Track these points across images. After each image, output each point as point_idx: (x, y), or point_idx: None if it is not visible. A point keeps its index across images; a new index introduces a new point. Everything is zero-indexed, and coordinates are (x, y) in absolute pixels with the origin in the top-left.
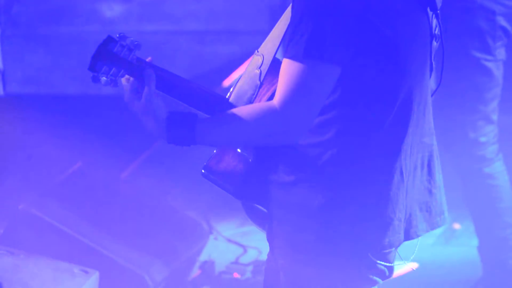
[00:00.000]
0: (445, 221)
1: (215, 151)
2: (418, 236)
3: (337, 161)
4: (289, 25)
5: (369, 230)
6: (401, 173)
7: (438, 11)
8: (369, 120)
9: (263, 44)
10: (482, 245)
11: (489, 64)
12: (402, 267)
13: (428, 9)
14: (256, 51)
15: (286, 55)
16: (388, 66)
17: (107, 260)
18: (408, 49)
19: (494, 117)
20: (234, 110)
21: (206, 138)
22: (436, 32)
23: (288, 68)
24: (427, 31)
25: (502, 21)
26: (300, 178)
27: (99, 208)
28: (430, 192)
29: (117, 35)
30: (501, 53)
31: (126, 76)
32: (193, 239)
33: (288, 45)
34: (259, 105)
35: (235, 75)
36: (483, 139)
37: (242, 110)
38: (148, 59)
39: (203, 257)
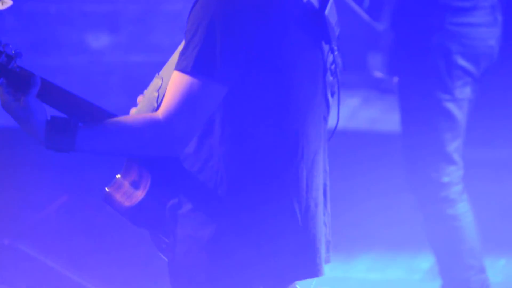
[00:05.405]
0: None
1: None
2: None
3: (225, 186)
4: (184, 37)
5: (262, 264)
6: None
7: (334, 46)
8: (255, 148)
9: (164, 67)
10: (445, 285)
11: (449, 105)
12: None
13: (323, 43)
14: (156, 74)
15: (177, 67)
16: (277, 97)
17: None
18: (298, 81)
19: (457, 157)
20: (118, 119)
21: (86, 145)
22: (331, 66)
23: (176, 81)
24: (320, 65)
25: (460, 61)
26: (194, 206)
27: (88, 243)
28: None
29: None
30: (463, 92)
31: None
32: None
33: (180, 57)
34: (143, 116)
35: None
36: (445, 179)
37: (126, 119)
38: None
39: None
